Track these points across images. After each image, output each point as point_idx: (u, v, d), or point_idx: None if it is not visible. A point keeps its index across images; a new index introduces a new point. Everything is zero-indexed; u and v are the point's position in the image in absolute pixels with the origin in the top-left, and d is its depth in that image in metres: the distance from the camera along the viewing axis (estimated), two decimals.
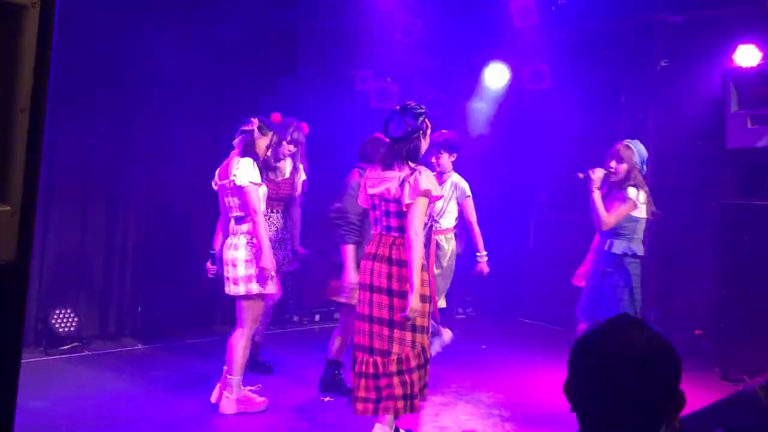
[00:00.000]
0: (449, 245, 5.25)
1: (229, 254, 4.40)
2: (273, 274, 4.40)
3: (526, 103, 7.57)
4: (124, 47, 5.82)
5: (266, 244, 4.33)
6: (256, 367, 5.11)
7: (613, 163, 4.43)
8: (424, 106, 3.81)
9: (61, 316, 5.63)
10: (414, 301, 3.59)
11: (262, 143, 4.54)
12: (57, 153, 5.57)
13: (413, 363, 3.67)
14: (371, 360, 3.73)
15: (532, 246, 7.98)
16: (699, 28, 6.23)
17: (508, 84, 7.60)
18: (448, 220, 5.22)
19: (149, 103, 6.10)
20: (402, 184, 3.65)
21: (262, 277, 4.35)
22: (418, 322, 3.68)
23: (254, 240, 4.39)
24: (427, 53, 7.90)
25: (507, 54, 7.52)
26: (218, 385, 4.52)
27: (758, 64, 5.54)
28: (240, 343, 4.41)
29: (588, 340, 1.41)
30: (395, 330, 3.67)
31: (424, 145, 3.81)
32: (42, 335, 5.59)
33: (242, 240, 4.42)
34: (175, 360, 5.58)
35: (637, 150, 4.48)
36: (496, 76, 7.61)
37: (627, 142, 4.54)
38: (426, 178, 3.64)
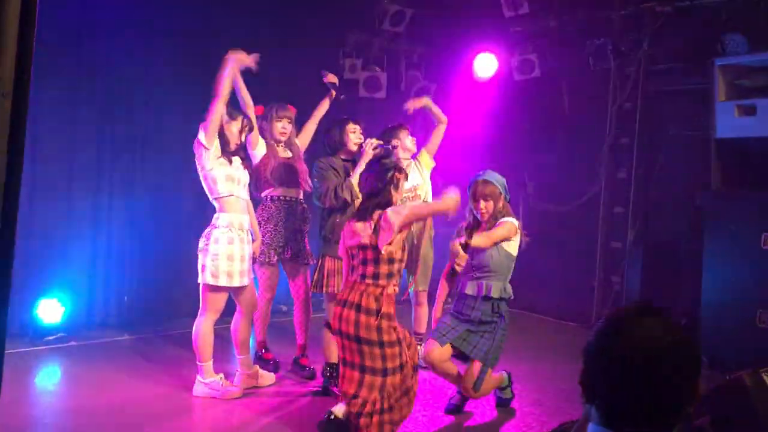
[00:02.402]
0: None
1: None
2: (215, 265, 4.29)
3: (515, 93, 7.57)
4: (107, 39, 5.78)
5: None
6: (262, 364, 4.94)
7: (482, 204, 4.21)
8: (393, 160, 3.96)
9: (46, 306, 5.58)
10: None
11: (233, 127, 4.46)
12: (41, 141, 5.51)
13: (378, 406, 3.62)
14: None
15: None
16: (687, 18, 6.24)
17: (497, 74, 7.58)
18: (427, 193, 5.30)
19: (134, 93, 6.05)
20: (375, 230, 3.69)
21: (214, 269, 4.30)
22: (389, 365, 3.64)
23: (212, 230, 4.37)
24: (416, 42, 7.88)
25: (496, 44, 7.51)
26: (237, 372, 4.63)
27: (746, 54, 5.55)
28: (198, 330, 4.40)
29: (605, 332, 1.38)
30: (366, 375, 3.64)
31: (396, 197, 3.86)
32: (27, 326, 5.55)
33: (206, 230, 4.42)
34: (162, 350, 5.54)
35: (497, 181, 4.24)
36: (485, 65, 7.59)
37: (483, 178, 4.24)
38: (394, 214, 3.67)
